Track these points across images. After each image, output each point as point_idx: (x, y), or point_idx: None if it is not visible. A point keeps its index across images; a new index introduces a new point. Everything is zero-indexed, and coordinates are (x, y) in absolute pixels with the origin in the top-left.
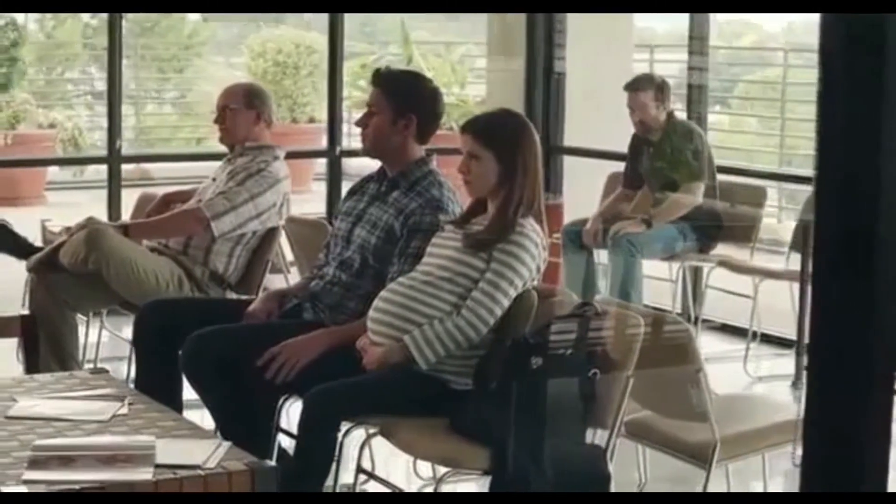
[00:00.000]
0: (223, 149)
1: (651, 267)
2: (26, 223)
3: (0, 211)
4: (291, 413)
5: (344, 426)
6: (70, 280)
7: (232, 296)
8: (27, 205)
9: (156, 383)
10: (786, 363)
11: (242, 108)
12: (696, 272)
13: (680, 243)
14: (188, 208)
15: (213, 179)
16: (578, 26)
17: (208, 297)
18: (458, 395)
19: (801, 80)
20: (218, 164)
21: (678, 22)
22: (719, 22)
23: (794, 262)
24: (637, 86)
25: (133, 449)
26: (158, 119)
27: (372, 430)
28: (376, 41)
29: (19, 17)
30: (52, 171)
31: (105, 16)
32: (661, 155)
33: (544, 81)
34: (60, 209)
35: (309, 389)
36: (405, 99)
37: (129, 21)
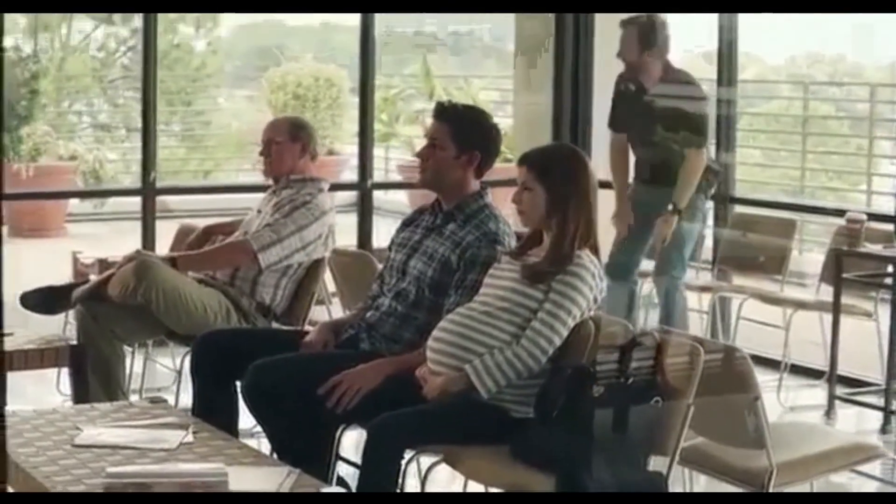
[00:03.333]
0: (249, 180)
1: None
2: (50, 255)
3: (24, 243)
4: (351, 441)
5: (406, 454)
6: (118, 311)
7: (278, 326)
8: (49, 236)
9: (214, 412)
10: (816, 393)
11: (288, 141)
12: (724, 303)
13: (699, 225)
14: (235, 240)
15: (258, 211)
16: (605, 59)
17: (260, 327)
18: (519, 424)
19: (802, 112)
20: (259, 195)
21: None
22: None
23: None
24: (624, 24)
25: (207, 476)
26: (168, 152)
27: (435, 459)
28: (396, 74)
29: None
30: (73, 203)
31: (112, 47)
32: (651, 113)
33: (571, 116)
34: (82, 241)
35: (369, 418)
36: (469, 134)
37: (138, 53)
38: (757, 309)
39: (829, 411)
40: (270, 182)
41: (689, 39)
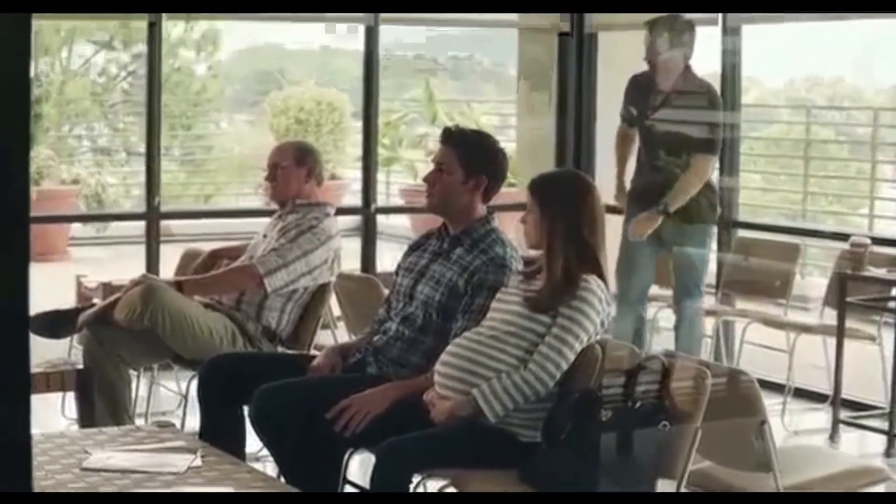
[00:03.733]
0: (250, 205)
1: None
2: (53, 279)
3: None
4: (358, 465)
5: (414, 478)
6: (123, 335)
7: (283, 351)
8: (52, 260)
9: (221, 436)
10: (820, 417)
11: (293, 166)
12: (728, 327)
13: (708, 247)
14: (241, 265)
15: (264, 236)
16: (609, 83)
17: (266, 351)
18: (527, 448)
19: (801, 136)
20: (265, 220)
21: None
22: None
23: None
24: (652, 23)
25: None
26: (169, 176)
27: (442, 483)
28: (396, 98)
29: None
30: (75, 227)
31: (113, 73)
32: (654, 138)
33: (574, 140)
34: (85, 265)
35: (376, 442)
36: (476, 159)
37: (138, 77)
38: (760, 333)
39: (833, 435)
40: (275, 206)
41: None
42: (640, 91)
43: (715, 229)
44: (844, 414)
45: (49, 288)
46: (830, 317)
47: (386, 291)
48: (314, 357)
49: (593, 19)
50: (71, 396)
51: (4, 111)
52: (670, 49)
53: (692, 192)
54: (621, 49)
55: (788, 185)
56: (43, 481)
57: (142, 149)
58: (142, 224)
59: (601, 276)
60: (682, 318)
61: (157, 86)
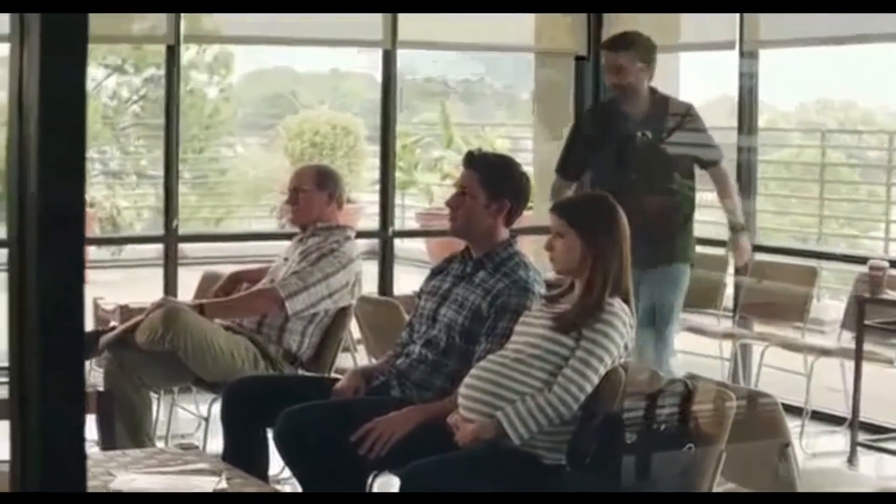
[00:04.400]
0: (263, 227)
1: (701, 345)
2: None
3: None
4: (382, 488)
5: None
6: (144, 358)
7: (304, 374)
8: None
9: (244, 458)
10: (837, 440)
11: (314, 190)
12: (745, 349)
13: (681, 289)
14: (263, 288)
15: (285, 259)
16: None
17: (289, 374)
18: (551, 470)
19: (812, 160)
20: (286, 243)
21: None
22: (734, 101)
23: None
24: (613, 43)
25: None
26: (181, 199)
27: None
28: (407, 122)
29: None
30: (90, 250)
31: (125, 96)
32: (659, 156)
33: None
34: (99, 288)
35: (400, 465)
36: (499, 183)
37: (150, 101)
38: (777, 356)
39: (852, 458)
40: (292, 229)
41: (702, 85)
42: (611, 119)
43: (688, 269)
44: (862, 437)
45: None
46: (847, 340)
47: (406, 315)
48: (337, 380)
49: None
50: (89, 419)
51: (62, 115)
52: (647, 68)
53: (735, 193)
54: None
55: (799, 208)
56: None
57: (152, 172)
58: (155, 247)
59: (626, 300)
60: (662, 339)
61: (175, 109)
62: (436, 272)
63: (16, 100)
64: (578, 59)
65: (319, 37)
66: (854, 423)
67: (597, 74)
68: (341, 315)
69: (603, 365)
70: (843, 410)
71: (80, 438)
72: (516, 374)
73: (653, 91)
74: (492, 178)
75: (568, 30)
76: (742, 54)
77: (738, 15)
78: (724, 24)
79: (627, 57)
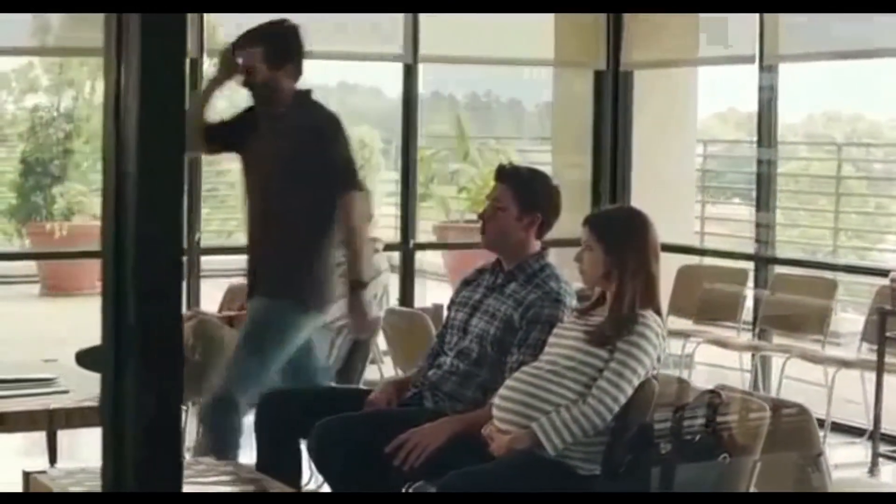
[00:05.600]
0: None
1: (721, 357)
2: (85, 313)
3: (57, 301)
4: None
5: None
6: None
7: (334, 385)
8: (83, 295)
9: (277, 469)
10: (858, 451)
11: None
12: (765, 361)
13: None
14: None
15: None
16: (643, 121)
17: (322, 386)
18: (586, 480)
19: (819, 172)
20: None
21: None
22: (740, 115)
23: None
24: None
25: None
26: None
27: None
28: (428, 136)
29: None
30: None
31: None
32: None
33: (610, 177)
34: None
35: (435, 476)
36: (531, 197)
37: None
38: (796, 368)
39: (873, 468)
40: None
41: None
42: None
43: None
44: (884, 448)
45: (82, 322)
46: (866, 351)
47: (433, 327)
48: (369, 391)
49: (628, 58)
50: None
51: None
52: (280, 65)
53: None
54: (657, 87)
55: (807, 220)
56: None
57: None
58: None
59: (657, 312)
60: None
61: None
62: (466, 283)
63: (112, 101)
64: (598, 72)
65: (339, 50)
66: (875, 434)
67: (615, 88)
68: None
69: (636, 376)
70: (862, 422)
71: (177, 441)
72: (551, 386)
73: (299, 94)
74: (524, 192)
75: (587, 44)
76: (762, 68)
77: (758, 30)
78: (745, 38)
79: (252, 55)
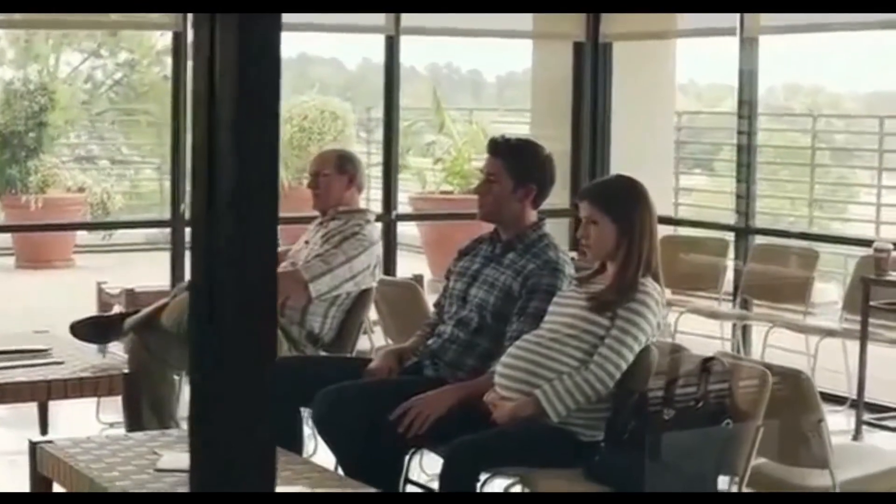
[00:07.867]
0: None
1: (701, 327)
2: (60, 285)
3: (33, 273)
4: (420, 465)
5: (482, 476)
6: (170, 340)
7: (327, 354)
8: (56, 268)
9: (279, 438)
10: (840, 419)
11: (335, 174)
12: (746, 331)
13: None
14: (287, 270)
15: (306, 242)
16: (623, 95)
17: (322, 355)
18: (589, 447)
19: (774, 142)
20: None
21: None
22: (699, 87)
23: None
24: None
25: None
26: (155, 184)
27: (509, 481)
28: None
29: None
30: (80, 235)
31: (99, 80)
32: None
33: (590, 149)
34: (89, 272)
35: (438, 443)
36: (525, 168)
37: (125, 86)
38: (776, 337)
39: (857, 436)
40: (316, 214)
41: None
42: None
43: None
44: (867, 415)
45: (58, 294)
46: (849, 321)
47: (425, 298)
48: (368, 361)
49: (608, 29)
50: (105, 401)
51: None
52: None
53: None
54: (638, 54)
55: (777, 191)
56: (119, 482)
57: (121, 157)
58: (144, 232)
59: (656, 279)
60: None
61: (182, 97)
62: (464, 253)
63: (205, 84)
64: (577, 44)
65: (321, 22)
66: (860, 402)
67: (595, 60)
68: (363, 297)
69: (638, 343)
70: (844, 390)
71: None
72: (553, 354)
73: None
74: (517, 164)
75: (566, 15)
76: (742, 42)
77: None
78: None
79: None
